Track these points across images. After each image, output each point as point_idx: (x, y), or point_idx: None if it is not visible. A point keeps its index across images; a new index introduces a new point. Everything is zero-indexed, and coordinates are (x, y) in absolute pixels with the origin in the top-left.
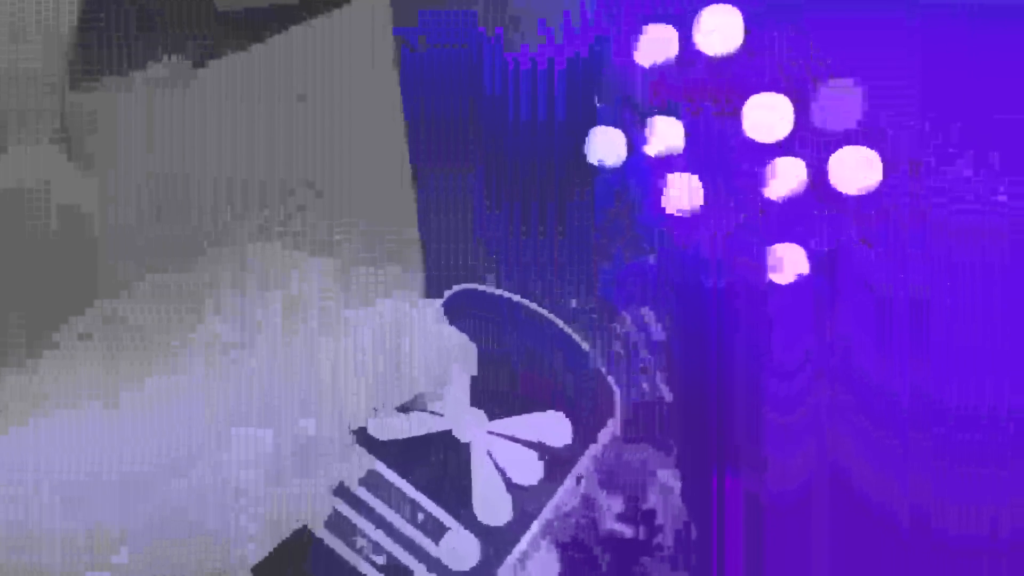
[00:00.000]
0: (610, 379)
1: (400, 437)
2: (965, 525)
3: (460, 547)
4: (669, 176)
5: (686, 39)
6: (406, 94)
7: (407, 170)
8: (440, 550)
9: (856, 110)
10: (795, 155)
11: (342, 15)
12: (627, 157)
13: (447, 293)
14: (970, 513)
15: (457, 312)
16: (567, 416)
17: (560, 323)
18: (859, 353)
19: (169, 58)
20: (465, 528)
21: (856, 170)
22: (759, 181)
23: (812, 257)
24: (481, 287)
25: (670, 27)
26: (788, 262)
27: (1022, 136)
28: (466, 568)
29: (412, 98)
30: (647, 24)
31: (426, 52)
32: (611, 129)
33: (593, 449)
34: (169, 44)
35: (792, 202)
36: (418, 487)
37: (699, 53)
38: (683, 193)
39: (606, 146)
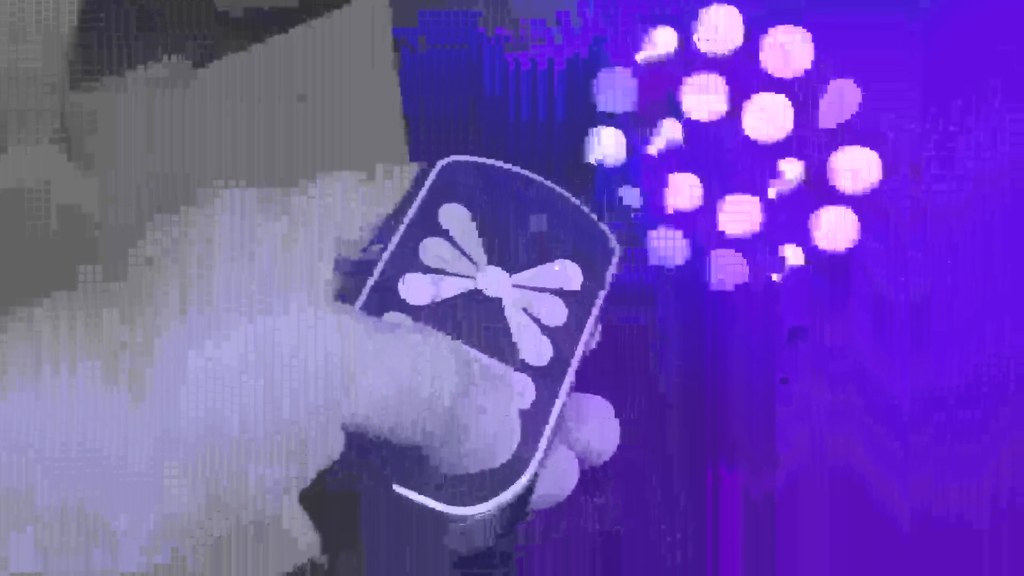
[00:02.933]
0: (604, 226)
1: (434, 300)
2: (965, 526)
3: (519, 387)
4: (669, 176)
5: (686, 39)
6: (406, 94)
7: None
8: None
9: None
10: (795, 155)
11: (342, 16)
12: (627, 157)
13: (433, 171)
14: (970, 513)
15: (448, 189)
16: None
17: (551, 184)
18: (859, 353)
19: (169, 58)
20: (517, 370)
21: (856, 170)
22: (759, 181)
23: (812, 257)
24: (469, 158)
25: (670, 27)
26: (789, 262)
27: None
28: (528, 405)
29: (412, 98)
30: (647, 24)
31: (426, 52)
32: (611, 129)
33: (604, 287)
34: (169, 44)
35: (792, 202)
36: (464, 342)
37: (699, 53)
38: (683, 193)
39: (606, 146)
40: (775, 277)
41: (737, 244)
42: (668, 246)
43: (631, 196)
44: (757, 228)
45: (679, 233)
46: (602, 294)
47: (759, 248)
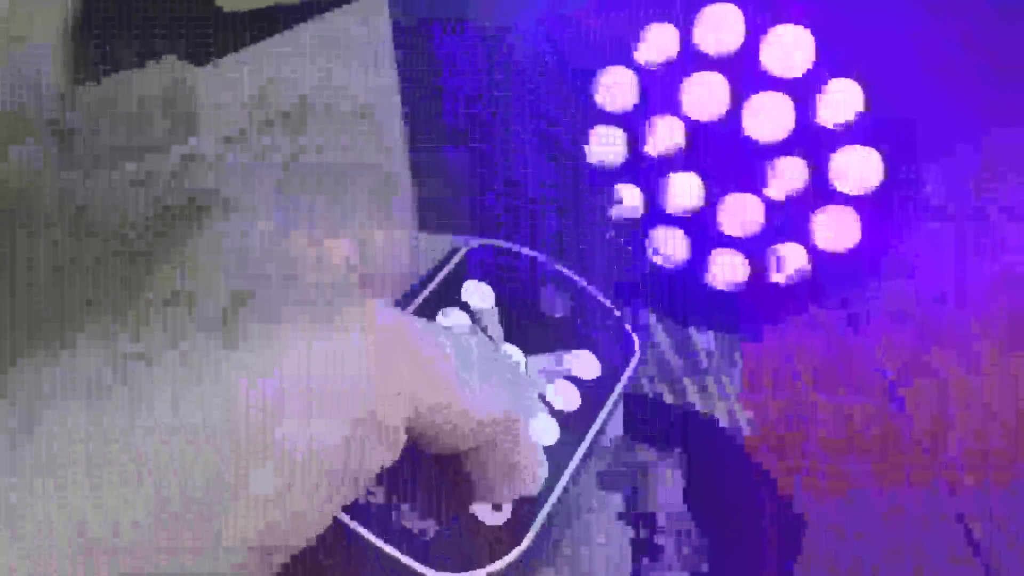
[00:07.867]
0: (628, 326)
1: None
2: None
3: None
4: (669, 176)
5: (686, 39)
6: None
7: (407, 171)
8: None
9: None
10: (795, 155)
11: (342, 15)
12: (627, 157)
13: (462, 250)
14: None
15: (475, 268)
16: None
17: (581, 281)
18: (860, 353)
19: (169, 57)
20: None
21: (856, 170)
22: (759, 181)
23: (812, 257)
24: (499, 243)
25: (670, 26)
26: (789, 261)
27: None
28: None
29: (412, 98)
30: (647, 23)
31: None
32: (611, 129)
33: (622, 382)
34: (169, 44)
35: (792, 202)
36: None
37: (699, 53)
38: (683, 193)
39: (606, 146)
40: (775, 277)
41: (737, 244)
42: (668, 246)
43: (631, 196)
44: (757, 228)
45: (679, 233)
46: (618, 389)
47: (759, 248)
